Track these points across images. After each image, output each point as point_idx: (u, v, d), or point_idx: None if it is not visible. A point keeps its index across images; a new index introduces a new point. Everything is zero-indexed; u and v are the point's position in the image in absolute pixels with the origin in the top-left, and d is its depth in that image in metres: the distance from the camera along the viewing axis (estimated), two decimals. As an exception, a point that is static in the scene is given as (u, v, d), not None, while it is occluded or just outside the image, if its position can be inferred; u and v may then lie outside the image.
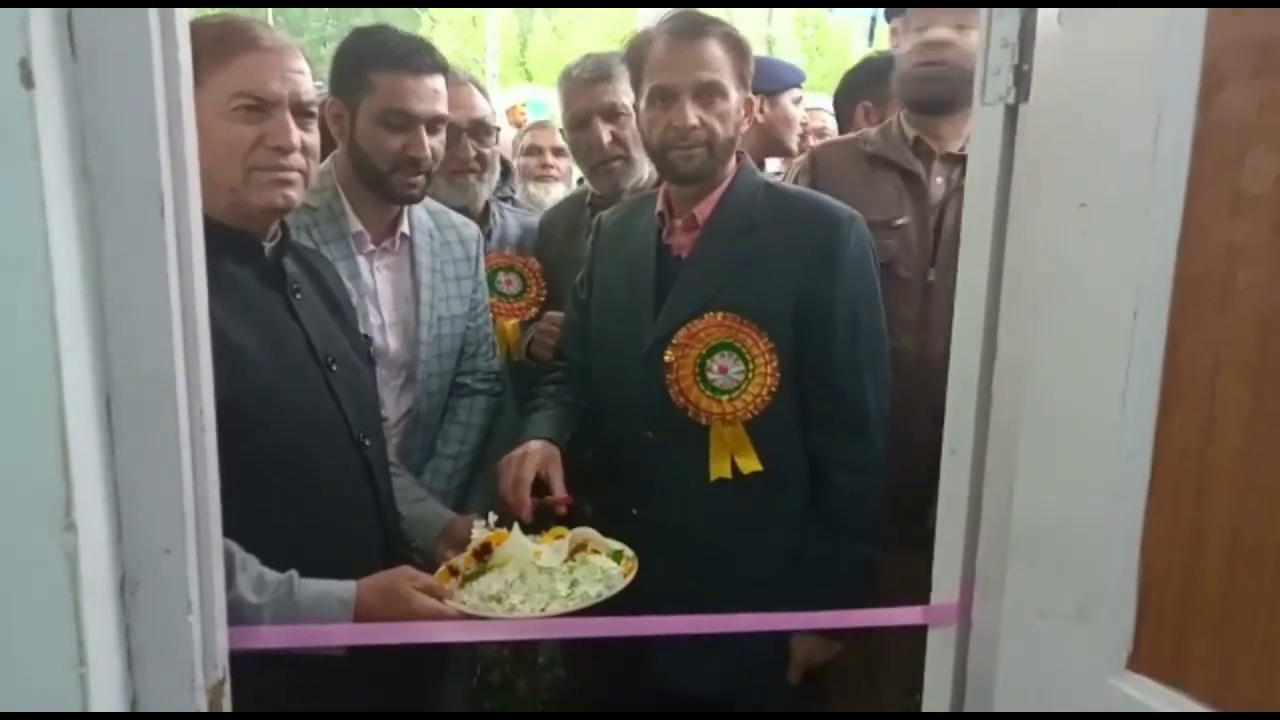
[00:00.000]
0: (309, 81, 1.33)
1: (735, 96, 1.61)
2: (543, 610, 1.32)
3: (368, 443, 1.44)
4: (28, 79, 0.67)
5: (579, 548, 1.47)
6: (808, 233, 1.61)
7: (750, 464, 1.60)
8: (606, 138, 2.09)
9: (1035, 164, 0.98)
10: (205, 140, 1.21)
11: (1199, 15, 0.79)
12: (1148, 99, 0.83)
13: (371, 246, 1.81)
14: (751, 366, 1.58)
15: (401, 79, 1.70)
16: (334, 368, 1.39)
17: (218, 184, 1.23)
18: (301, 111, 1.32)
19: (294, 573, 1.23)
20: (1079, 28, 0.90)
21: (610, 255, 1.80)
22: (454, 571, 1.42)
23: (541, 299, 2.18)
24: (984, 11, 1.01)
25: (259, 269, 1.35)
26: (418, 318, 1.84)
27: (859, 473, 1.62)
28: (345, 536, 1.39)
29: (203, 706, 0.86)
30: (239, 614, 1.07)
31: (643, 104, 1.66)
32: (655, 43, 1.61)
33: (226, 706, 0.91)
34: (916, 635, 1.14)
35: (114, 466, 0.80)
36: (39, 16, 0.68)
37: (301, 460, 1.33)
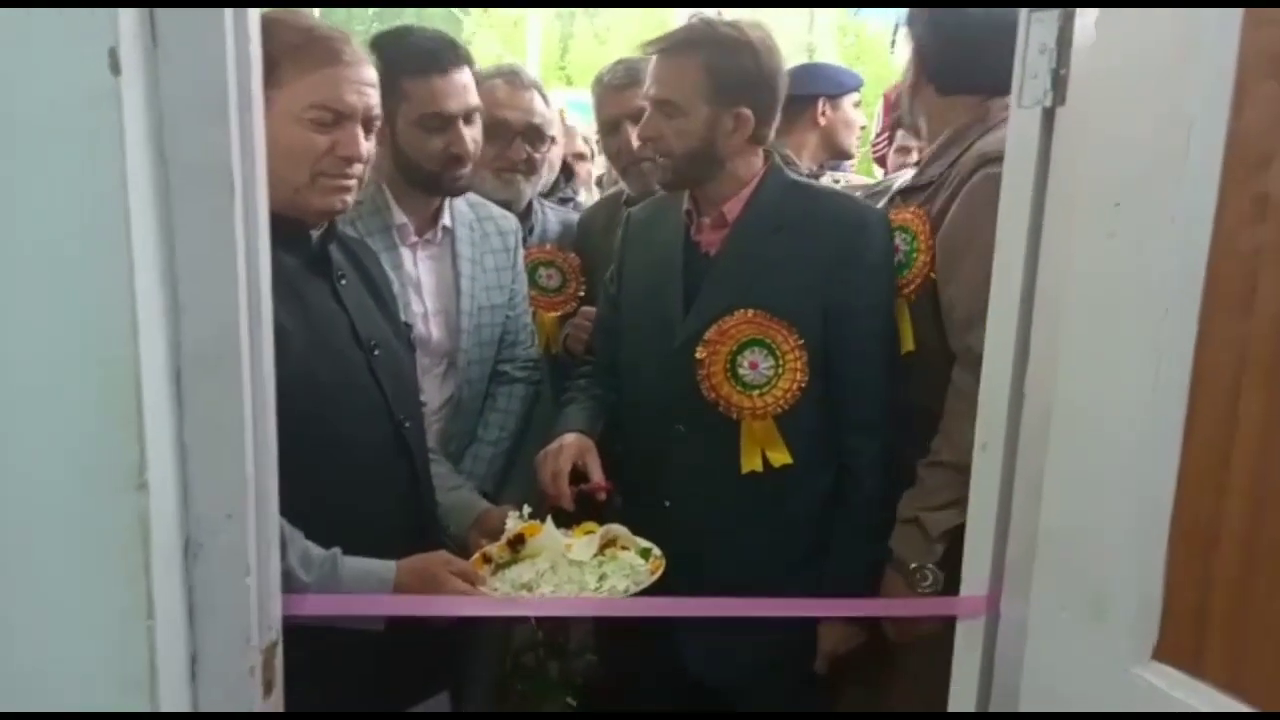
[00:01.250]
0: (377, 95, 1.39)
1: (705, 110, 1.62)
2: None
3: (407, 425, 1.48)
4: (115, 66, 0.72)
5: (609, 543, 1.52)
6: (836, 233, 1.64)
7: (780, 457, 1.63)
8: (636, 141, 2.13)
9: (1070, 166, 1.00)
10: (277, 141, 1.26)
11: (1233, 21, 0.81)
12: (1181, 103, 0.84)
13: (415, 238, 1.86)
14: (781, 362, 1.60)
15: (431, 81, 1.75)
16: (376, 352, 1.44)
17: (283, 183, 1.29)
18: (369, 124, 1.38)
19: (337, 550, 1.28)
20: (1114, 32, 0.92)
21: (639, 251, 1.84)
22: (487, 559, 1.47)
23: (580, 294, 2.23)
24: (1022, 17, 1.03)
25: (306, 256, 1.40)
26: (459, 307, 1.89)
27: (880, 469, 1.64)
28: (383, 516, 1.43)
29: (257, 665, 0.90)
30: (288, 586, 1.11)
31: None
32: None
33: (278, 667, 0.96)
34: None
35: (181, 434, 0.85)
36: (126, 8, 0.73)
37: (343, 440, 1.37)
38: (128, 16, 0.74)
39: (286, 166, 1.29)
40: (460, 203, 1.94)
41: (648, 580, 1.41)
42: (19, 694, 0.81)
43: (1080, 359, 0.96)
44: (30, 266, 0.76)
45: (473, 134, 1.82)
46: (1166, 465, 0.87)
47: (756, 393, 1.61)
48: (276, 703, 0.95)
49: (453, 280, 1.90)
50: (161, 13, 0.78)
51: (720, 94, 1.62)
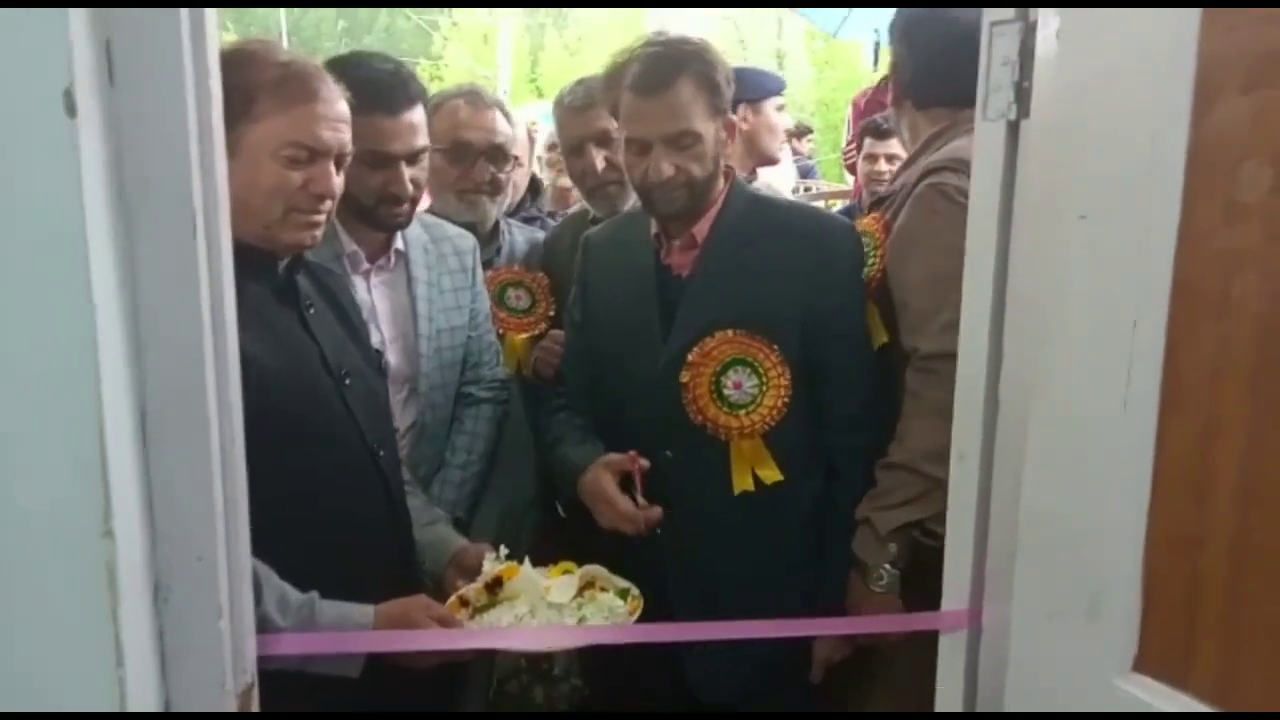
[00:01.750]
0: (349, 130, 1.39)
1: (711, 129, 1.62)
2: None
3: (382, 453, 1.47)
4: (71, 108, 0.71)
5: (587, 585, 1.51)
6: (808, 245, 1.65)
7: (771, 475, 1.62)
8: (600, 164, 2.11)
9: (1037, 177, 1.00)
10: (251, 175, 1.27)
11: (1192, 31, 0.82)
12: (1144, 112, 0.85)
13: (367, 265, 1.83)
14: (765, 379, 1.60)
15: (377, 120, 1.69)
16: (348, 380, 1.43)
17: (254, 216, 1.29)
18: (340, 160, 1.38)
19: (315, 594, 1.26)
20: (1076, 44, 0.93)
21: (605, 275, 1.81)
22: (464, 602, 1.45)
23: (551, 314, 2.20)
24: (984, 30, 1.04)
25: (273, 285, 1.39)
26: (416, 331, 1.86)
27: (868, 466, 1.65)
28: (359, 546, 1.42)
29: (233, 709, 0.89)
30: (264, 631, 1.10)
31: (621, 143, 1.68)
32: (624, 93, 1.62)
33: (255, 710, 0.94)
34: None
35: (148, 476, 0.83)
36: (81, 48, 0.72)
37: (317, 471, 1.36)
38: (82, 56, 0.73)
39: (259, 201, 1.29)
40: (413, 226, 1.90)
41: (626, 621, 1.41)
42: (-13, 748, 0.79)
43: (1054, 367, 0.96)
44: (-12, 311, 0.74)
45: (414, 174, 1.78)
46: (1141, 474, 0.88)
47: (743, 412, 1.60)
48: (254, 745, 0.94)
49: (409, 304, 1.87)
50: (119, 51, 0.77)
51: (713, 110, 1.62)
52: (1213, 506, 0.84)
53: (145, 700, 0.82)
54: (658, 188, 1.62)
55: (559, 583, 1.48)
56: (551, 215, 2.76)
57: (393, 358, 1.83)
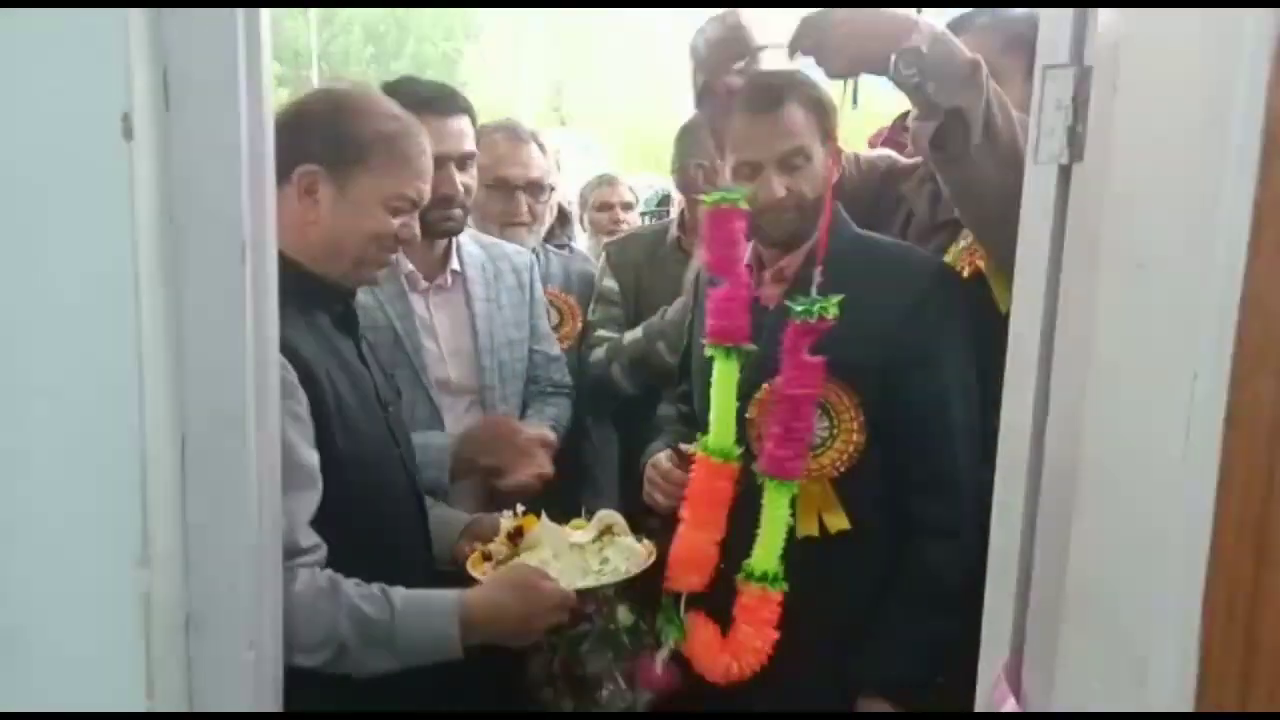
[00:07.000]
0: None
1: (820, 153, 1.60)
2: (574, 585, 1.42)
3: (414, 475, 1.55)
4: (129, 131, 0.70)
5: (606, 530, 1.57)
6: (896, 288, 1.59)
7: (838, 522, 1.57)
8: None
9: (1090, 223, 0.99)
10: (357, 219, 1.36)
11: (1260, 75, 0.80)
12: (1207, 160, 0.83)
13: (425, 284, 1.92)
14: (837, 423, 1.55)
15: (429, 122, 1.75)
16: (389, 407, 1.50)
17: (345, 255, 1.38)
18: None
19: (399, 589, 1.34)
20: (1134, 90, 0.92)
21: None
22: (487, 557, 1.52)
23: (577, 330, 2.39)
24: (1038, 73, 1.03)
25: (337, 316, 1.46)
26: (478, 346, 1.95)
27: (948, 538, 1.57)
28: (403, 560, 1.48)
29: (259, 744, 0.87)
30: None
31: (728, 172, 1.65)
32: (733, 116, 1.60)
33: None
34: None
35: (185, 504, 0.82)
36: (140, 73, 0.72)
37: (377, 496, 1.43)
38: (141, 80, 0.73)
39: (357, 243, 1.37)
40: (471, 246, 2.01)
41: (645, 562, 1.47)
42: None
43: (1106, 420, 0.94)
44: (36, 333, 0.74)
45: (464, 179, 1.88)
46: (1200, 533, 0.85)
47: (811, 453, 1.55)
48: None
49: (468, 321, 1.96)
50: (175, 76, 0.76)
51: (822, 134, 1.61)
52: (1271, 566, 0.81)
53: (172, 734, 0.80)
54: (769, 210, 1.59)
55: (579, 532, 1.55)
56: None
57: (452, 372, 1.93)
